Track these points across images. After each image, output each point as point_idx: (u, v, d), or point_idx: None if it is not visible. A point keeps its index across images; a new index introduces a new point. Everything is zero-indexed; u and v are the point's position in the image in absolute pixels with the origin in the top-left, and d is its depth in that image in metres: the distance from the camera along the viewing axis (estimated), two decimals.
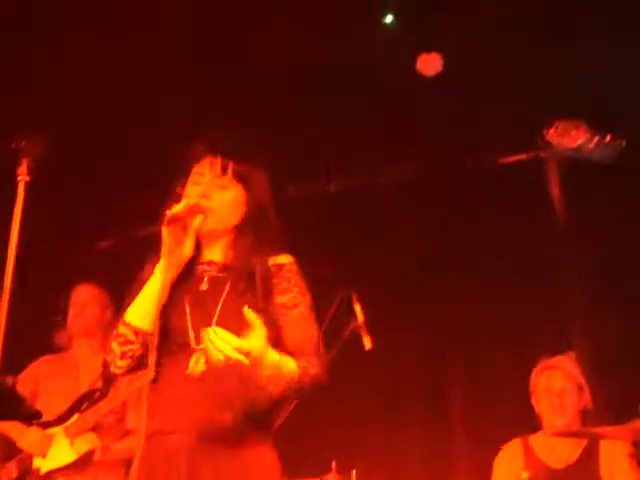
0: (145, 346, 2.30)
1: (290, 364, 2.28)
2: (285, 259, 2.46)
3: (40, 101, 4.24)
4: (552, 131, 4.08)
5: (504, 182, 4.48)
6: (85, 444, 3.84)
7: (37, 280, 4.62)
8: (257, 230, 2.45)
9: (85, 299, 4.13)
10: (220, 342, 2.12)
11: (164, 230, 2.31)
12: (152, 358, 2.23)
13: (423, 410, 4.70)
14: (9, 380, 2.20)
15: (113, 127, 4.49)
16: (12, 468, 3.89)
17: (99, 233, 4.70)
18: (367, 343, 3.47)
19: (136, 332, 2.33)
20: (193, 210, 2.36)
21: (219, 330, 2.15)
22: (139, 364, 2.35)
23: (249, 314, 2.17)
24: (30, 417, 3.10)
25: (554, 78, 4.35)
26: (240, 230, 2.45)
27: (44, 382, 4.08)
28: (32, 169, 2.23)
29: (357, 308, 3.51)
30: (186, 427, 2.28)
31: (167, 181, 2.48)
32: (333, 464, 3.48)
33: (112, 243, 4.56)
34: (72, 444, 3.84)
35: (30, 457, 3.89)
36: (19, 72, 4.17)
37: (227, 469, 2.27)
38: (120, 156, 4.46)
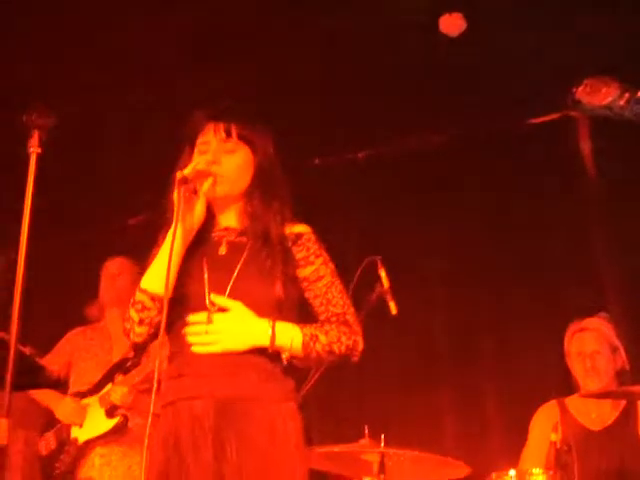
0: (162, 311, 2.30)
1: (321, 337, 2.36)
2: (303, 228, 2.48)
3: (58, 71, 4.30)
4: (581, 89, 4.02)
5: (535, 142, 4.43)
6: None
7: (68, 255, 4.75)
8: (267, 190, 2.47)
9: (116, 270, 4.24)
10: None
11: (174, 193, 2.33)
12: (162, 323, 2.26)
13: (455, 373, 4.71)
14: (27, 350, 2.26)
15: (139, 101, 4.52)
16: (51, 439, 4.01)
17: (130, 209, 4.79)
18: (393, 308, 3.47)
19: (153, 298, 2.35)
20: (202, 174, 2.38)
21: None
22: (158, 331, 2.35)
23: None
24: (51, 386, 3.20)
25: (584, 32, 4.27)
26: (251, 192, 2.47)
27: (77, 353, 4.20)
28: (43, 141, 2.25)
29: (382, 273, 3.49)
30: (209, 392, 2.32)
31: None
32: (366, 429, 3.50)
33: (142, 219, 4.65)
34: (107, 414, 3.95)
35: (68, 427, 4.01)
36: (33, 42, 4.20)
37: (251, 432, 2.30)
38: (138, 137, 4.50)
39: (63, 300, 4.74)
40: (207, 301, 2.35)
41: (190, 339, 2.33)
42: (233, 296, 2.35)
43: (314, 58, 4.59)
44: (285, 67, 4.57)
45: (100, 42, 4.27)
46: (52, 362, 4.08)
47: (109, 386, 3.99)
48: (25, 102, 2.30)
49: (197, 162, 2.39)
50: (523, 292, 4.53)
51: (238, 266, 2.38)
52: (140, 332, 2.39)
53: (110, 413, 3.95)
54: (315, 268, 2.43)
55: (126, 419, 3.91)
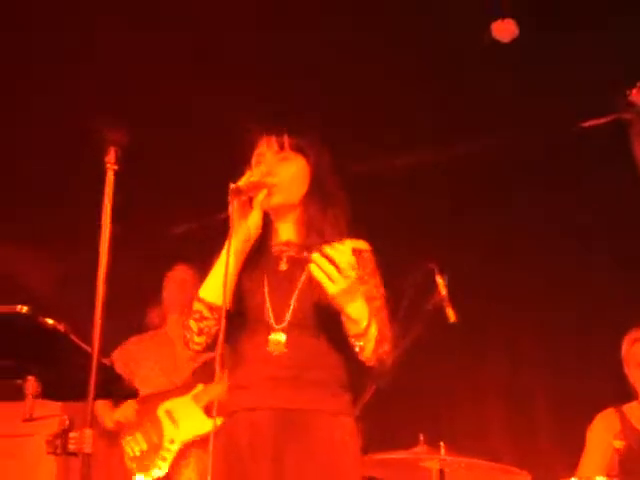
0: (221, 322, 2.35)
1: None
2: (364, 245, 2.54)
3: (118, 90, 4.39)
4: (635, 91, 4.05)
5: (587, 146, 4.45)
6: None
7: (129, 265, 4.81)
8: (323, 198, 2.53)
9: (181, 277, 4.32)
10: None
11: (229, 205, 2.40)
12: (221, 334, 2.31)
13: (508, 381, 4.74)
14: (107, 361, 2.34)
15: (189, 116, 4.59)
16: (139, 439, 4.01)
17: (188, 217, 4.85)
18: (451, 316, 3.49)
19: (211, 308, 2.42)
20: (256, 185, 2.44)
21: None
22: (217, 340, 2.38)
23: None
24: (130, 396, 3.26)
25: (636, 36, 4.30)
26: (307, 201, 2.53)
27: (139, 362, 4.24)
28: (119, 158, 2.30)
29: (439, 280, 3.53)
30: (269, 404, 2.38)
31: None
32: (421, 437, 3.54)
33: (200, 226, 4.71)
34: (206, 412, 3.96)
35: (159, 428, 4.01)
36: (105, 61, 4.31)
37: (311, 443, 2.37)
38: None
39: (126, 308, 4.80)
40: (270, 317, 2.43)
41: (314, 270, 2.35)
42: (295, 315, 2.43)
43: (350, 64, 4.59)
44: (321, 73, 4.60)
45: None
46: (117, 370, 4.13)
47: (201, 386, 4.02)
48: (100, 119, 2.37)
49: (251, 174, 2.46)
50: (577, 297, 4.55)
51: (299, 285, 2.45)
52: (199, 342, 2.47)
53: (210, 412, 3.96)
54: (368, 288, 2.48)
55: None
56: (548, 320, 4.69)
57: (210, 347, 2.47)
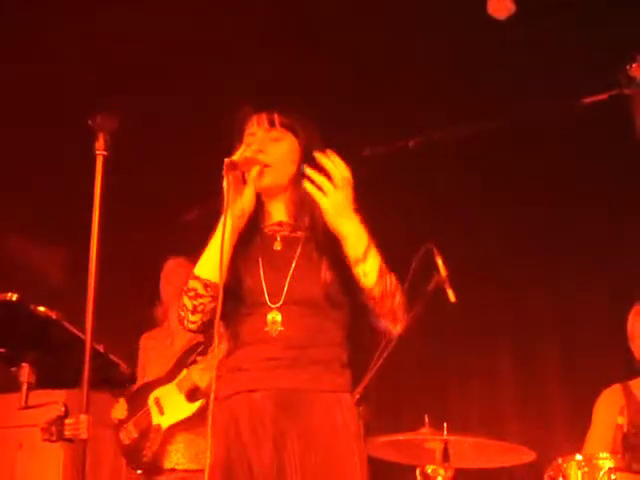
0: (216, 299, 2.34)
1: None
2: None
3: (111, 73, 4.40)
4: (636, 66, 4.02)
5: (588, 123, 4.43)
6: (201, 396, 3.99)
7: (126, 256, 4.85)
8: None
9: (174, 268, 4.35)
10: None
11: (224, 180, 2.40)
12: (217, 311, 2.31)
13: (516, 360, 4.74)
14: (101, 347, 2.36)
15: (189, 97, 4.60)
16: (131, 428, 4.09)
17: (184, 206, 4.86)
18: (451, 296, 3.50)
19: (206, 285, 2.41)
20: (249, 161, 2.45)
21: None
22: (212, 319, 2.38)
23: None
24: (127, 382, 3.29)
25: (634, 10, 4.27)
26: (297, 180, 2.51)
27: (148, 359, 4.31)
28: (109, 144, 2.34)
29: (439, 261, 3.53)
30: (268, 385, 2.39)
31: None
32: (426, 418, 3.56)
33: (197, 215, 4.72)
34: (188, 398, 4.01)
35: (147, 416, 4.09)
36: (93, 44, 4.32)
37: (311, 422, 2.38)
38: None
39: (125, 301, 4.86)
40: (266, 297, 2.43)
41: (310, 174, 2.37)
42: (290, 293, 2.43)
43: (358, 45, 4.61)
44: (329, 55, 4.61)
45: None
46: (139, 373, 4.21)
47: (184, 372, 4.07)
48: (90, 105, 2.39)
49: (244, 149, 2.47)
50: (586, 275, 4.55)
51: (293, 263, 2.45)
52: (194, 320, 2.44)
53: (191, 397, 4.00)
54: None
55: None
56: (557, 296, 4.68)
57: (206, 326, 2.45)
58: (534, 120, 4.40)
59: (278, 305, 2.43)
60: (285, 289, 2.43)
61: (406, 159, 4.53)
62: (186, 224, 4.14)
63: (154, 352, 4.32)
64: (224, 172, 2.39)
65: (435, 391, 4.65)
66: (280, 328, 2.42)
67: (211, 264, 2.40)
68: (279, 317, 2.42)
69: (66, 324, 2.25)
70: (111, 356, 2.39)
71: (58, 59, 4.44)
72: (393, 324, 2.44)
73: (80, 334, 2.27)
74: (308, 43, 4.58)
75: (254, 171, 2.46)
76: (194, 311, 2.44)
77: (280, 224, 2.55)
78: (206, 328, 2.47)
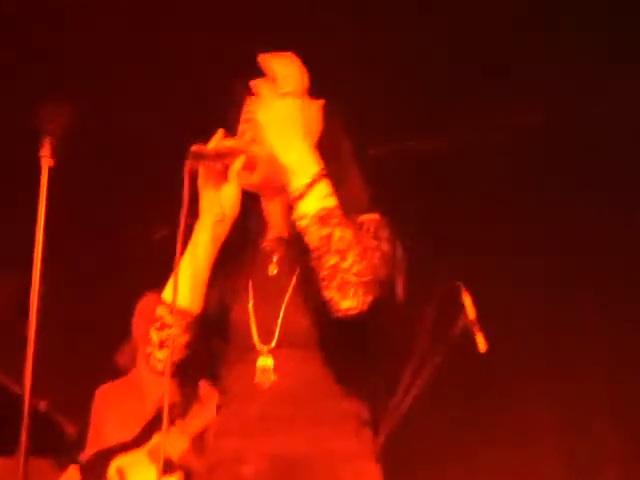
0: (191, 332, 1.97)
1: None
2: (371, 217, 2.02)
3: (65, 71, 3.97)
4: None
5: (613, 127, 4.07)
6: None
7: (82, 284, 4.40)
8: (330, 170, 1.98)
9: (151, 306, 3.88)
10: None
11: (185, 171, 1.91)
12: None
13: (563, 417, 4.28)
14: (42, 405, 1.94)
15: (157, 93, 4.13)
16: None
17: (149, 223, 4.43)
18: (481, 343, 3.11)
19: (179, 313, 1.98)
20: (230, 152, 1.98)
21: None
22: (186, 359, 1.99)
23: None
24: (70, 449, 2.86)
25: None
26: None
27: (105, 418, 3.84)
28: (56, 150, 2.01)
29: (467, 301, 3.15)
30: (261, 453, 1.95)
31: None
32: None
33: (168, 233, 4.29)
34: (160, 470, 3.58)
35: None
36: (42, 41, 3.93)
37: None
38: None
39: (80, 343, 4.38)
40: (254, 336, 1.97)
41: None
42: (284, 332, 1.97)
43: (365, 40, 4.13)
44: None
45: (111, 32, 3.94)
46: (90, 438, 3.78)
47: (157, 437, 3.61)
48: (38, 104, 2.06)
49: (222, 136, 1.97)
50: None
51: (288, 293, 1.99)
52: (161, 358, 1.99)
53: (165, 470, 3.57)
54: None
55: (188, 475, 3.52)
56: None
57: (178, 368, 1.99)
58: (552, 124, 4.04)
59: (269, 347, 1.98)
60: (278, 327, 1.98)
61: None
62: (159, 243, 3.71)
63: (115, 409, 3.85)
64: (186, 163, 1.89)
65: (460, 454, 4.19)
66: (273, 377, 1.97)
67: (182, 287, 1.95)
68: (270, 362, 1.96)
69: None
70: (55, 416, 1.97)
71: None
72: (340, 298, 1.86)
73: (16, 388, 1.88)
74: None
75: (237, 163, 1.97)
76: (161, 346, 1.99)
77: (279, 241, 2.07)
78: (179, 372, 2.01)
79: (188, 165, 1.89)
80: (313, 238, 1.87)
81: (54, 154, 1.98)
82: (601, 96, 4.09)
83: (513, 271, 4.28)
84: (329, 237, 1.86)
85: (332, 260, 1.85)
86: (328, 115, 2.07)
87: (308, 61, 1.93)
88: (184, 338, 1.98)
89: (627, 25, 3.94)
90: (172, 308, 1.92)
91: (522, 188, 4.32)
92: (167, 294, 2.01)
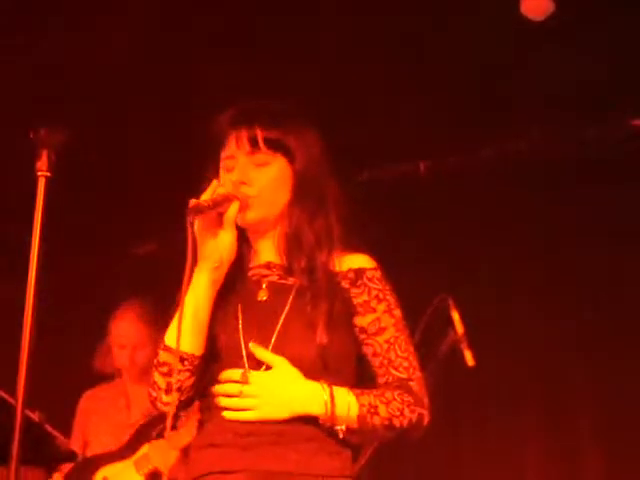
0: (197, 374, 2.07)
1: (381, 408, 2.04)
2: (365, 262, 2.15)
3: (61, 87, 3.99)
4: None
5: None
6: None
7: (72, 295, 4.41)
8: (310, 206, 2.13)
9: (131, 317, 3.91)
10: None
11: (189, 226, 2.00)
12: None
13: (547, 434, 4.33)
14: (36, 415, 1.97)
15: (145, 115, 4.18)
16: None
17: (136, 237, 4.43)
18: (469, 359, 3.13)
19: (182, 358, 2.06)
20: (225, 199, 2.06)
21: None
22: (192, 396, 2.10)
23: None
24: (63, 460, 2.87)
25: None
26: (292, 210, 2.13)
27: (91, 423, 3.88)
28: (53, 163, 2.04)
29: (455, 316, 3.16)
30: (246, 466, 2.02)
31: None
32: None
33: (153, 248, 4.29)
34: None
35: None
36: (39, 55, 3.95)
37: None
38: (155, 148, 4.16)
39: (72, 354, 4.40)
40: (244, 362, 2.06)
41: (221, 401, 2.06)
42: (275, 354, 2.07)
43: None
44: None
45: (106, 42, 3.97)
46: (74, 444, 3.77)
47: (145, 447, 3.62)
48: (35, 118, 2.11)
49: (217, 184, 2.08)
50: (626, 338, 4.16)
51: (281, 319, 2.08)
52: (168, 400, 2.08)
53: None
54: (376, 317, 2.10)
55: None
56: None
57: (185, 405, 2.13)
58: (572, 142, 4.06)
59: (260, 371, 2.06)
60: (269, 351, 2.07)
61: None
62: (140, 259, 3.75)
63: (99, 416, 3.88)
64: (187, 218, 1.99)
65: (448, 469, 4.22)
66: None
67: (185, 331, 2.03)
68: None
69: None
70: (47, 427, 1.99)
71: None
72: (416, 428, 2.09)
73: (9, 398, 1.91)
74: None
75: (232, 209, 2.08)
76: (169, 390, 2.09)
77: (268, 266, 2.17)
78: (184, 407, 2.14)
79: (189, 220, 1.98)
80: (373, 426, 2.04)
81: (50, 167, 2.01)
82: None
83: (500, 286, 4.34)
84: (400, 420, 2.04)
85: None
86: (304, 148, 2.14)
87: (301, 90, 1.97)
88: (190, 381, 2.07)
89: None
90: (176, 353, 1.99)
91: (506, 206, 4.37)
92: (170, 339, 2.08)
